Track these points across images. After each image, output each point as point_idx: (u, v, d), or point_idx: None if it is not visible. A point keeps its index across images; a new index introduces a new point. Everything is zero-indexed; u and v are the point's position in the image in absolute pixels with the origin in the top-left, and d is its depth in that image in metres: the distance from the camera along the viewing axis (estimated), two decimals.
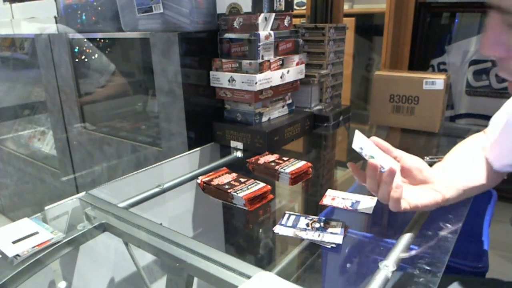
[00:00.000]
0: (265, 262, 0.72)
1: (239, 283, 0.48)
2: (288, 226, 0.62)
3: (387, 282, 0.47)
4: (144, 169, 0.85)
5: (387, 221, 0.70)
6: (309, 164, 0.84)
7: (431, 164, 0.92)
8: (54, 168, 1.59)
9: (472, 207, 0.66)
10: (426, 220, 0.61)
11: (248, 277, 0.49)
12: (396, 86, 1.11)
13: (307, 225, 0.62)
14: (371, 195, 0.70)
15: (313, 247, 0.61)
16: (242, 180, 0.77)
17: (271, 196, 0.73)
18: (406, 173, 0.57)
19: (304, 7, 1.72)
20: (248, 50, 0.97)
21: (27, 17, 1.48)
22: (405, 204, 0.52)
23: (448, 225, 0.60)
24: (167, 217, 0.81)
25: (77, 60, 1.35)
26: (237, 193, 0.70)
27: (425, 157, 0.90)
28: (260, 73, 0.96)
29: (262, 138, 0.97)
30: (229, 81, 1.00)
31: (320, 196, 0.73)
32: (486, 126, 0.69)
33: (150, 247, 0.59)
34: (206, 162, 0.98)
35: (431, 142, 1.09)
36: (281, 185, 0.81)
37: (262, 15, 0.96)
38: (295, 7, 1.93)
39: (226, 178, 0.78)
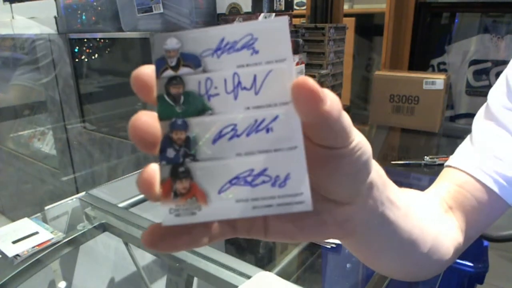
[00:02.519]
0: (265, 262, 0.72)
1: (239, 283, 0.48)
2: None
3: (388, 283, 0.47)
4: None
5: None
6: None
7: (431, 164, 0.92)
8: (54, 168, 1.59)
9: None
10: None
11: (248, 277, 0.49)
12: (396, 86, 1.10)
13: None
14: None
15: (314, 247, 0.61)
16: None
17: None
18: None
19: (304, 7, 1.72)
20: None
21: (27, 17, 1.48)
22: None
23: None
24: None
25: (77, 60, 1.35)
26: None
27: (425, 157, 0.90)
28: None
29: None
30: None
31: None
32: None
33: None
34: None
35: (431, 142, 1.09)
36: None
37: (262, 15, 0.96)
38: (295, 7, 1.92)
39: None
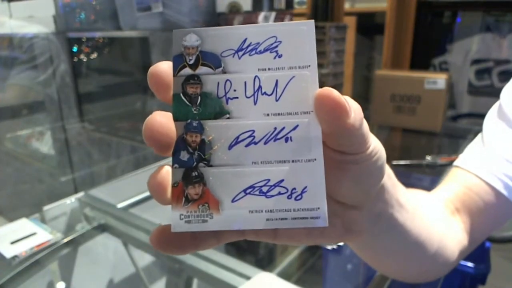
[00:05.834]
0: (265, 263, 0.71)
1: (239, 284, 0.48)
2: None
3: (389, 284, 0.47)
4: (143, 169, 0.84)
5: None
6: None
7: (432, 165, 0.92)
8: (52, 168, 1.58)
9: None
10: None
11: (248, 278, 0.48)
12: (397, 85, 1.10)
13: None
14: None
15: (314, 248, 0.61)
16: None
17: None
18: None
19: (305, 6, 1.71)
20: None
21: (25, 16, 1.47)
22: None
23: None
24: (167, 218, 0.80)
25: (75, 59, 1.35)
26: None
27: (427, 157, 0.89)
28: None
29: None
30: None
31: None
32: None
33: (150, 248, 0.59)
34: None
35: (432, 142, 1.09)
36: None
37: (262, 13, 0.95)
38: (295, 6, 1.92)
39: None
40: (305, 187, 0.15)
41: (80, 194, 0.73)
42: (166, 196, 0.15)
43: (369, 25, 1.98)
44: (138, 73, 1.34)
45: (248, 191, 0.15)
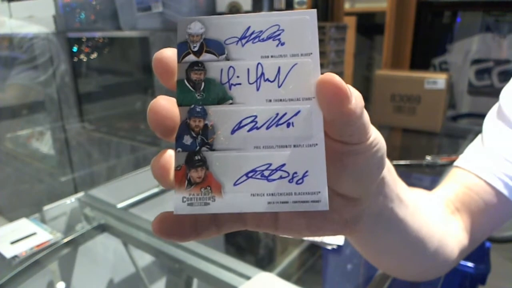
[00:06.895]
0: (265, 262, 0.71)
1: (239, 284, 0.48)
2: None
3: (389, 284, 0.47)
4: (143, 169, 0.84)
5: None
6: None
7: (432, 165, 0.92)
8: (52, 168, 1.58)
9: None
10: None
11: (248, 278, 0.48)
12: (397, 85, 1.10)
13: None
14: None
15: (314, 248, 0.61)
16: None
17: None
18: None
19: (305, 6, 1.71)
20: None
21: (25, 16, 1.47)
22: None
23: None
24: None
25: (75, 59, 1.35)
26: None
27: (427, 157, 0.89)
28: None
29: None
30: None
31: None
32: None
33: (150, 248, 0.59)
34: None
35: (432, 142, 1.09)
36: None
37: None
38: (295, 5, 1.92)
39: None
40: (306, 172, 0.15)
41: (80, 194, 0.73)
42: (169, 179, 0.15)
43: (369, 25, 1.97)
44: (138, 73, 1.34)
45: (250, 175, 0.15)
